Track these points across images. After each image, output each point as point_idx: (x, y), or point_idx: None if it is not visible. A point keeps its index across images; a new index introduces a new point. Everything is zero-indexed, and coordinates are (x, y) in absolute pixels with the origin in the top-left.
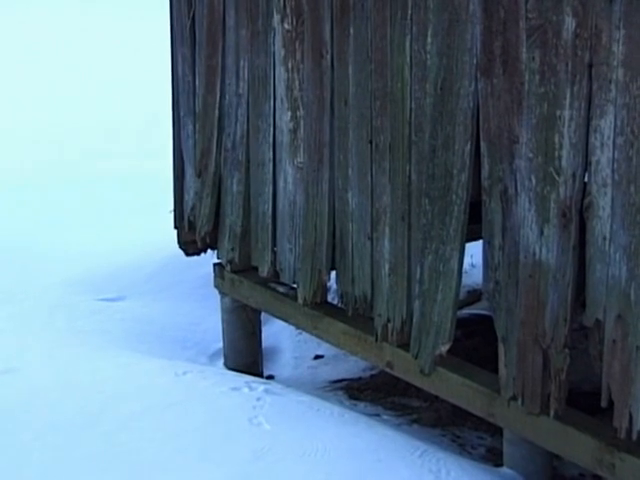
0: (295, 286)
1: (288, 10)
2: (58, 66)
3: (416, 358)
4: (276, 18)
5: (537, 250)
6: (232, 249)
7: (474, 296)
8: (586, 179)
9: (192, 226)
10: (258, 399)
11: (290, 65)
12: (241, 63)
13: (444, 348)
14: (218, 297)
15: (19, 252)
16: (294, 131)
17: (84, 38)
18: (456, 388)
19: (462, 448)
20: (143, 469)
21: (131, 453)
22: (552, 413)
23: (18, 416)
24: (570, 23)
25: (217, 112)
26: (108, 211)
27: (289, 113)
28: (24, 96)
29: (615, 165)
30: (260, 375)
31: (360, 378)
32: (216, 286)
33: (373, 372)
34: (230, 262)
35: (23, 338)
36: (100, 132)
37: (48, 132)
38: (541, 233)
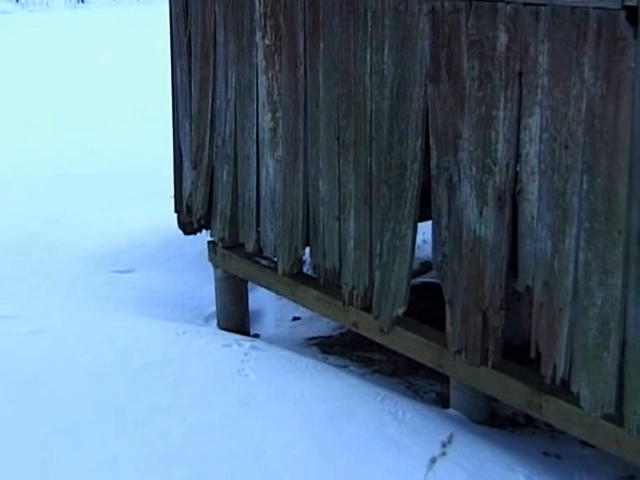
0: (276, 259)
1: (268, 28)
2: (83, 77)
3: (377, 319)
4: (258, 35)
5: (477, 228)
6: (223, 229)
7: (426, 267)
8: (518, 169)
9: (189, 210)
10: (245, 354)
11: (270, 74)
12: (229, 73)
13: (400, 311)
14: (212, 269)
15: (44, 233)
16: (274, 130)
17: (109, 55)
18: (411, 344)
19: (416, 393)
20: (149, 413)
21: (139, 400)
22: (490, 364)
23: (44, 368)
24: (503, 38)
25: (209, 114)
26: (121, 197)
27: (270, 114)
28: (57, 101)
29: (541, 157)
30: (247, 334)
31: (331, 336)
32: (210, 260)
33: (342, 331)
34: (221, 240)
35: (48, 304)
36: (113, 131)
37: (75, 129)
38: (480, 214)
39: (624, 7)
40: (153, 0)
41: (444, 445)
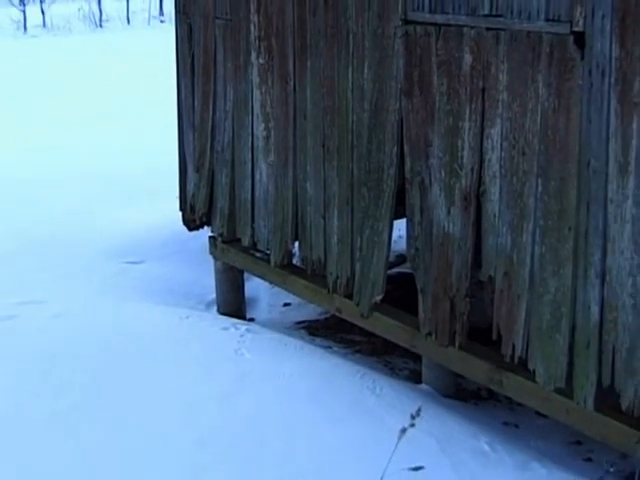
0: (268, 252)
1: (262, 49)
2: (98, 88)
3: (358, 305)
4: (253, 55)
5: (446, 225)
6: (222, 226)
7: (401, 259)
8: (481, 173)
9: (193, 209)
10: (241, 336)
11: (264, 89)
12: (228, 88)
13: (378, 298)
14: (212, 261)
15: (62, 229)
16: (267, 138)
17: (122, 72)
18: (387, 327)
19: (392, 371)
20: (157, 387)
21: (147, 376)
22: (457, 344)
23: (64, 347)
24: (468, 58)
25: (210, 124)
26: (131, 197)
27: (263, 125)
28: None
29: (502, 162)
30: (243, 318)
31: (317, 320)
32: (210, 253)
33: (326, 315)
34: (221, 235)
35: (68, 292)
36: (125, 140)
37: (86, 135)
38: (449, 212)
39: (572, 32)
40: (162, 25)
41: (413, 417)
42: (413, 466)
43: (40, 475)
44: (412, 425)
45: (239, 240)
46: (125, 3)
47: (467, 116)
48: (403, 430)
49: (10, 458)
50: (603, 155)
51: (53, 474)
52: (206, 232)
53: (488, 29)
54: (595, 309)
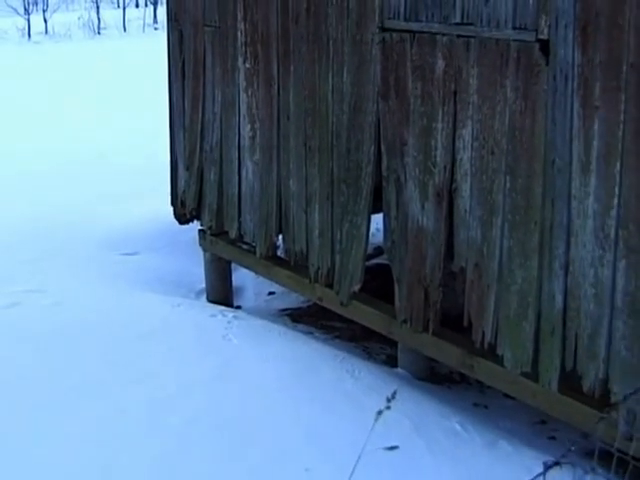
0: (254, 245)
1: (248, 54)
2: (104, 102)
3: (338, 294)
4: (240, 60)
5: (420, 219)
6: (210, 220)
7: (378, 251)
8: (453, 171)
9: (183, 204)
10: (229, 322)
11: (250, 92)
12: (216, 91)
13: (357, 287)
14: (201, 253)
15: (64, 221)
16: (253, 138)
17: (118, 76)
18: (365, 314)
19: (370, 355)
20: (150, 370)
21: (141, 360)
22: (430, 331)
23: (63, 333)
24: (441, 64)
25: (200, 125)
26: (126, 193)
27: (249, 125)
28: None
29: (472, 161)
30: (231, 306)
31: (300, 308)
32: (200, 245)
33: (309, 304)
34: (209, 228)
35: (68, 281)
36: (121, 140)
37: (93, 141)
38: (423, 207)
39: (538, 40)
40: (156, 32)
41: (389, 399)
42: (389, 446)
43: (41, 448)
44: (388, 407)
45: (227, 233)
46: (122, 12)
47: (440, 118)
48: (379, 412)
49: (14, 435)
50: (567, 155)
51: (53, 448)
52: (196, 226)
53: (459, 36)
54: (559, 298)
